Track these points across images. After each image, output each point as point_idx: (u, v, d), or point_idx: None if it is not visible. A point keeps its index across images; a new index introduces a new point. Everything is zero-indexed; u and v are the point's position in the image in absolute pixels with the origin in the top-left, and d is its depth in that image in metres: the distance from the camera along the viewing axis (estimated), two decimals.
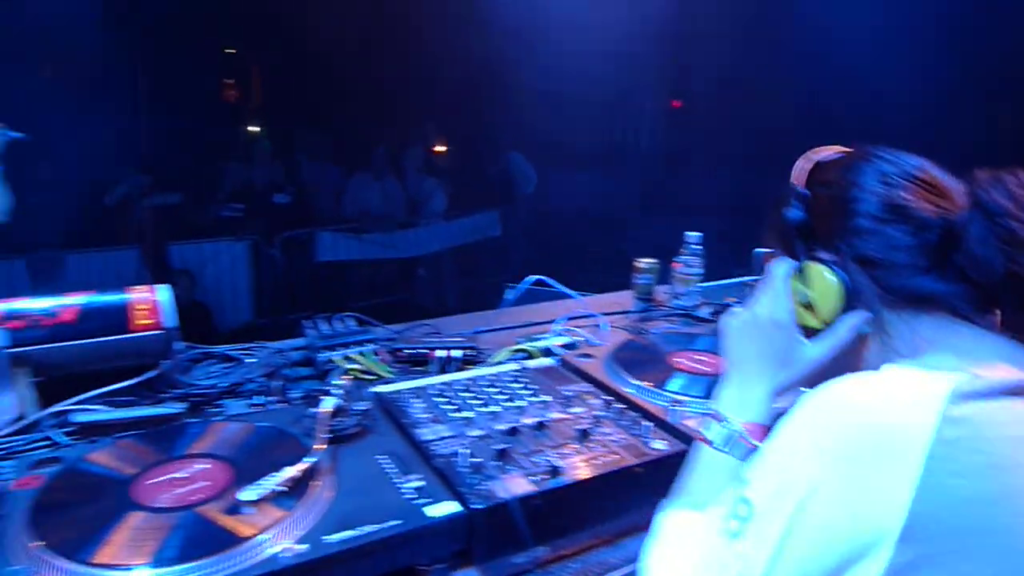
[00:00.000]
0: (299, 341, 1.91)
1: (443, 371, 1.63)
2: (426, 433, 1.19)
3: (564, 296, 2.25)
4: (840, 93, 6.76)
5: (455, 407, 1.29)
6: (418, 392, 1.35)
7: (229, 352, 1.81)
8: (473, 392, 1.35)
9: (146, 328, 1.55)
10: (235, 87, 12.38)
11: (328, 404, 1.16)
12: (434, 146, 6.92)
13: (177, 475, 1.01)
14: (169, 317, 1.59)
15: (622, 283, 2.55)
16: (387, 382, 1.54)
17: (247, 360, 1.77)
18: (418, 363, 1.69)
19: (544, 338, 1.89)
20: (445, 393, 1.34)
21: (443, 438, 1.18)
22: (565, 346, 1.84)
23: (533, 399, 1.34)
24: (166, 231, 5.57)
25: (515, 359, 1.76)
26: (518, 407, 1.30)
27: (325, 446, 1.07)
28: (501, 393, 1.36)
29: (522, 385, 1.40)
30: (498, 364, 1.62)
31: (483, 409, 1.29)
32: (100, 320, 1.53)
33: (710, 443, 0.95)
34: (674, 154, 9.43)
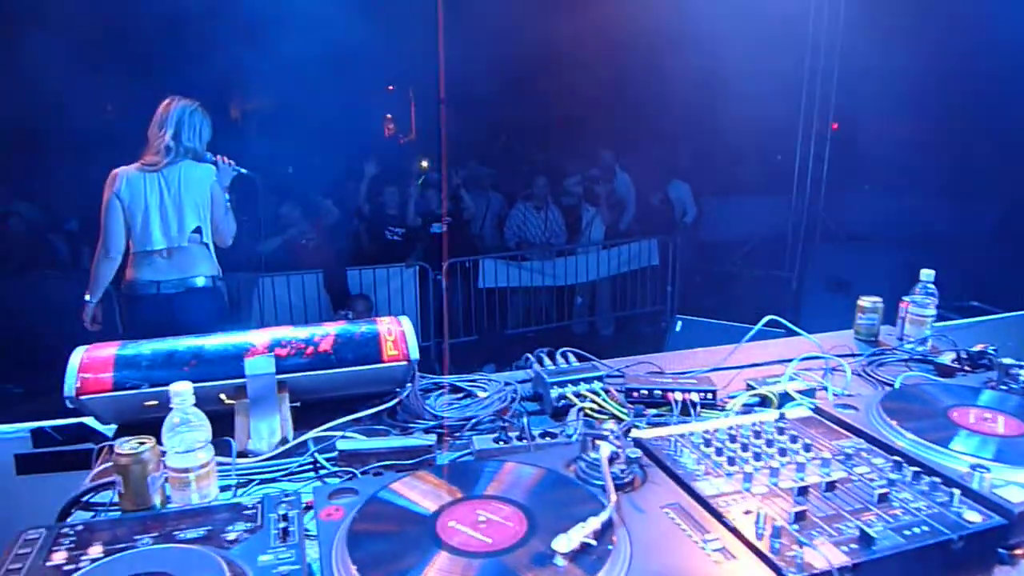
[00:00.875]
0: (520, 375, 1.92)
1: (685, 414, 1.57)
2: (706, 487, 1.13)
3: (789, 336, 2.12)
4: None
5: (726, 459, 1.22)
6: (681, 440, 1.29)
7: (457, 383, 1.85)
8: (740, 443, 1.27)
9: (394, 359, 1.61)
10: (394, 121, 13.13)
11: (605, 450, 1.13)
12: (594, 175, 6.91)
13: (477, 516, 1.00)
14: (413, 349, 1.63)
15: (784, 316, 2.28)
16: (633, 425, 1.50)
17: (476, 392, 1.79)
18: (652, 404, 1.63)
19: (776, 381, 1.78)
20: (710, 443, 1.27)
21: (725, 493, 1.11)
22: (802, 391, 1.72)
23: (809, 455, 1.24)
24: (345, 256, 5.94)
25: (755, 405, 1.66)
26: (796, 463, 1.20)
27: (616, 496, 1.04)
28: (770, 445, 1.27)
29: (789, 438, 1.30)
30: (755, 413, 1.53)
31: (758, 463, 1.20)
32: (354, 350, 1.60)
33: None
34: (835, 179, 8.89)
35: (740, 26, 6.71)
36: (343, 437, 1.49)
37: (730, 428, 1.33)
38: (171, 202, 3.41)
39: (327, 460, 1.45)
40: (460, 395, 1.81)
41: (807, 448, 1.26)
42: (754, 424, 1.34)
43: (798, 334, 2.04)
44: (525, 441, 1.46)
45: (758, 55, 7.18)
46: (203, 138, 3.52)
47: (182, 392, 1.26)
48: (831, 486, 1.13)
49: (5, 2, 6.39)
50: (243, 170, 3.66)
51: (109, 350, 1.52)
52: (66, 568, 0.97)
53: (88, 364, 1.48)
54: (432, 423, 1.58)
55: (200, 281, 3.48)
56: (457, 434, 1.58)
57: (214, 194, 3.51)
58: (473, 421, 1.56)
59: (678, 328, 4.39)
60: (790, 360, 1.95)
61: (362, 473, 1.36)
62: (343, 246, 6.16)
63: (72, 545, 1.02)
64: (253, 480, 1.42)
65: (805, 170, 8.64)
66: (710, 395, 1.62)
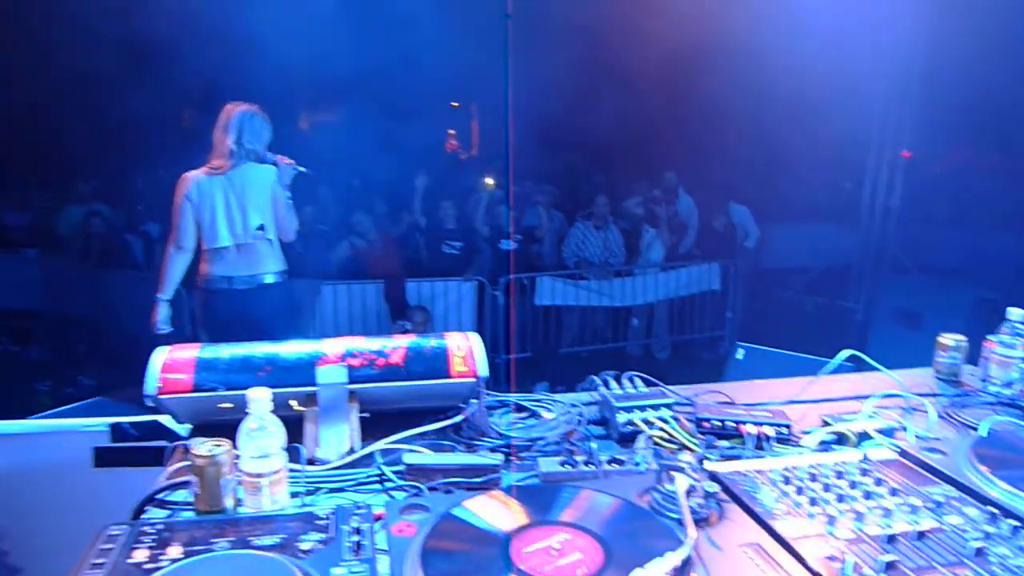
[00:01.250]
0: (584, 397, 1.89)
1: (758, 448, 1.52)
2: (787, 528, 1.08)
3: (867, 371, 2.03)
4: None
5: (807, 499, 1.17)
6: (759, 475, 1.24)
7: (521, 402, 1.83)
8: (821, 483, 1.22)
9: (463, 375, 1.61)
10: (457, 137, 13.32)
11: (682, 483, 1.10)
12: (656, 196, 6.86)
13: (552, 543, 0.99)
14: (482, 365, 1.63)
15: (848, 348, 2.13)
16: (704, 457, 1.46)
17: (540, 412, 1.77)
18: (724, 436, 1.59)
19: (852, 418, 1.71)
20: (790, 480, 1.22)
21: (808, 536, 1.07)
22: (880, 431, 1.65)
23: (896, 500, 1.18)
24: (404, 268, 6.02)
25: (831, 442, 1.60)
26: (883, 508, 1.14)
27: (696, 533, 1.00)
28: (853, 487, 1.21)
29: (873, 480, 1.24)
30: (834, 451, 1.47)
31: (841, 506, 1.15)
32: (423, 364, 1.61)
33: None
34: (906, 208, 8.59)
35: (809, 49, 6.58)
36: (410, 451, 1.49)
37: (810, 466, 1.28)
38: (236, 202, 3.63)
39: (393, 473, 1.46)
40: (524, 414, 1.79)
41: (893, 492, 1.20)
42: (836, 464, 1.29)
43: (877, 370, 1.96)
44: (592, 467, 1.43)
45: (828, 79, 7.02)
46: (263, 140, 3.73)
47: (260, 398, 1.28)
48: (921, 535, 1.07)
49: (88, 14, 6.74)
50: (302, 168, 3.84)
51: (189, 352, 1.56)
52: (147, 566, 0.99)
53: (169, 365, 1.53)
54: (498, 442, 1.57)
55: (269, 278, 3.73)
56: (523, 455, 1.57)
57: (275, 193, 3.71)
58: (541, 443, 1.54)
59: (739, 356, 4.28)
60: (864, 396, 1.87)
61: (429, 489, 1.35)
62: (405, 257, 6.25)
63: (153, 543, 1.05)
64: (321, 488, 1.43)
65: (874, 198, 8.40)
66: (785, 430, 1.57)
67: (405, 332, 5.22)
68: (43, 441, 2.16)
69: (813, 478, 1.23)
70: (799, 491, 1.19)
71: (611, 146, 8.25)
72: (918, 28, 7.25)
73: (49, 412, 2.87)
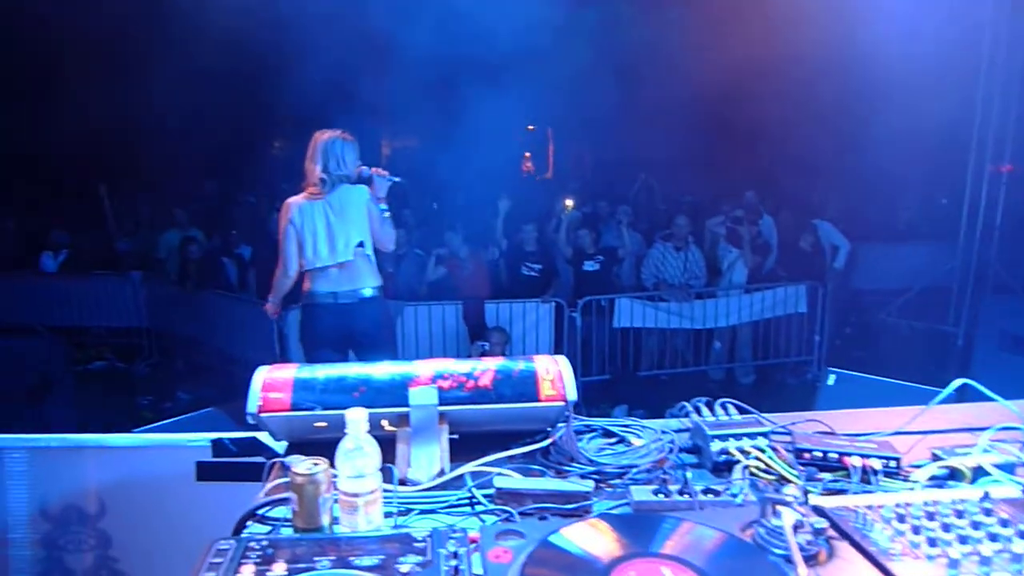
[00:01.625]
0: (675, 424, 1.85)
1: (865, 482, 1.44)
2: (905, 570, 1.02)
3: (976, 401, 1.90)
4: None
5: (925, 539, 1.09)
6: (869, 512, 1.18)
7: (609, 427, 1.81)
8: (939, 522, 1.14)
9: (551, 399, 1.60)
10: (533, 159, 13.44)
11: (789, 518, 1.05)
12: (738, 215, 6.69)
13: None
14: (570, 389, 1.62)
15: (948, 375, 2.00)
16: (805, 490, 1.39)
17: (629, 438, 1.74)
18: (826, 468, 1.51)
19: (966, 452, 1.60)
20: (904, 519, 1.15)
21: None
22: (999, 466, 1.54)
23: None
24: (483, 289, 6.08)
25: (943, 477, 1.50)
26: (1012, 552, 1.06)
27: (807, 572, 0.96)
28: (976, 528, 1.13)
29: (998, 521, 1.15)
30: (950, 488, 1.38)
31: (964, 548, 1.07)
32: (512, 387, 1.61)
33: None
34: (1009, 225, 8.04)
35: (902, 61, 6.30)
36: (499, 474, 1.49)
37: (926, 503, 1.20)
38: (336, 223, 3.82)
39: (484, 496, 1.45)
40: (613, 440, 1.76)
41: (1022, 536, 1.11)
42: (954, 501, 1.21)
43: (991, 399, 1.83)
44: (687, 497, 1.39)
45: (921, 91, 6.70)
46: (348, 163, 3.89)
47: (358, 419, 1.30)
48: None
49: (187, 53, 7.17)
50: (396, 179, 3.98)
51: (288, 372, 1.62)
52: None
53: (270, 384, 1.58)
54: (588, 468, 1.55)
55: (368, 292, 3.90)
56: (613, 482, 1.54)
57: (370, 210, 3.89)
58: (634, 471, 1.51)
59: (830, 382, 4.09)
60: (976, 429, 1.75)
61: (520, 514, 1.35)
62: (487, 279, 6.32)
63: (259, 560, 1.08)
64: (413, 510, 1.45)
65: (975, 215, 7.91)
66: (893, 463, 1.48)
67: (484, 353, 5.26)
68: (149, 454, 2.27)
69: (930, 516, 1.16)
70: (915, 530, 1.12)
71: (690, 165, 8.13)
72: (1017, 36, 6.85)
73: (160, 424, 3.04)
